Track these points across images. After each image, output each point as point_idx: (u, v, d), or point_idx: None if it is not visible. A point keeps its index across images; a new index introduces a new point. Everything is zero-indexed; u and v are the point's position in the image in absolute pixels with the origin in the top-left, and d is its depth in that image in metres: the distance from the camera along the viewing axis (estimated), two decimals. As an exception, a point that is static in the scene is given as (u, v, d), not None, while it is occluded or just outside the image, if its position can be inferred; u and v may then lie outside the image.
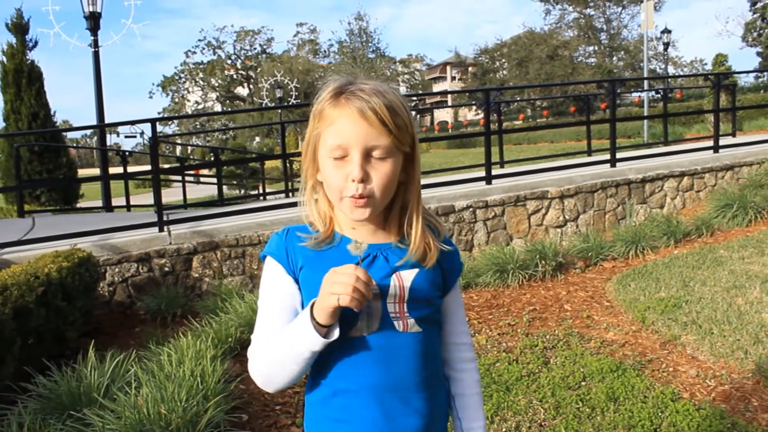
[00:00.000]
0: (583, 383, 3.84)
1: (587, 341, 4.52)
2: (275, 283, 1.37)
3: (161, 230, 6.21)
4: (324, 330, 1.23)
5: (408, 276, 1.35)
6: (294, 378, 1.31)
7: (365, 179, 1.28)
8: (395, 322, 1.34)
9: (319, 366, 1.32)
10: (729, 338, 4.27)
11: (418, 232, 1.37)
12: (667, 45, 35.01)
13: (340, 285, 1.17)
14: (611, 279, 5.92)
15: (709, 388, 3.72)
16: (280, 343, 1.28)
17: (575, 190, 7.45)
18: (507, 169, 10.49)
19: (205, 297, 5.76)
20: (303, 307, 1.33)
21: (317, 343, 1.23)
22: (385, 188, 1.31)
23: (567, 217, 7.41)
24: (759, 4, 39.57)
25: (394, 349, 1.34)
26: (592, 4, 46.96)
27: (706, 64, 54.82)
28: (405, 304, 1.34)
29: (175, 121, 56.38)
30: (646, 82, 18.16)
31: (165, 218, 6.36)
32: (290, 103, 44.00)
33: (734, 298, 4.97)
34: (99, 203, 13.74)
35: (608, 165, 8.17)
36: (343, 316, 1.25)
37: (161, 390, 3.10)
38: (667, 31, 33.91)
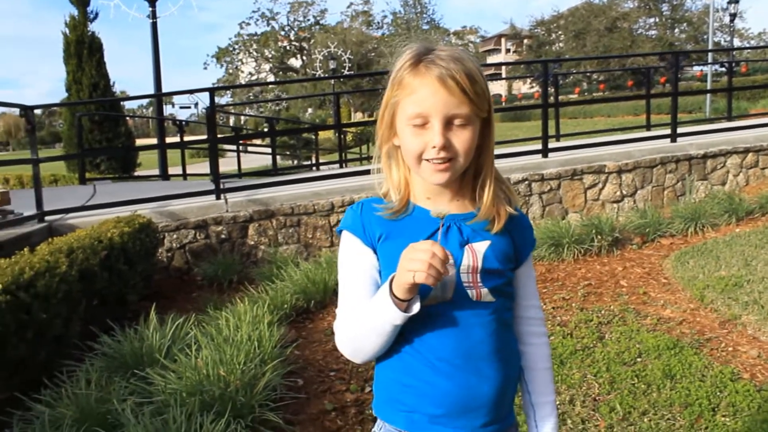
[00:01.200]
0: (638, 359, 3.79)
1: (643, 318, 4.44)
2: (354, 257, 1.39)
3: (218, 198, 6.32)
4: (404, 305, 1.24)
5: (480, 248, 1.35)
6: (380, 349, 1.33)
7: (447, 146, 1.29)
8: (469, 291, 1.34)
9: None
10: (793, 319, 4.15)
11: (490, 195, 1.38)
12: (733, 16, 33.58)
13: (417, 262, 1.17)
14: (669, 256, 5.78)
15: (770, 369, 3.63)
16: (364, 317, 1.30)
17: (633, 165, 7.28)
18: (563, 143, 10.30)
19: (260, 264, 5.85)
20: (382, 278, 1.34)
21: (398, 317, 1.24)
22: (466, 154, 1.32)
23: (624, 192, 7.26)
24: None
25: (468, 318, 1.34)
26: (653, -27, 45.40)
27: (774, 36, 52.51)
28: (478, 275, 1.34)
29: (229, 92, 56.96)
30: (710, 54, 17.46)
31: (221, 186, 6.47)
32: (347, 74, 43.87)
33: (800, 279, 4.82)
34: (156, 172, 14.05)
35: (668, 140, 7.95)
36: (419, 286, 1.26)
37: (220, 353, 3.19)
38: (734, 1, 32.49)
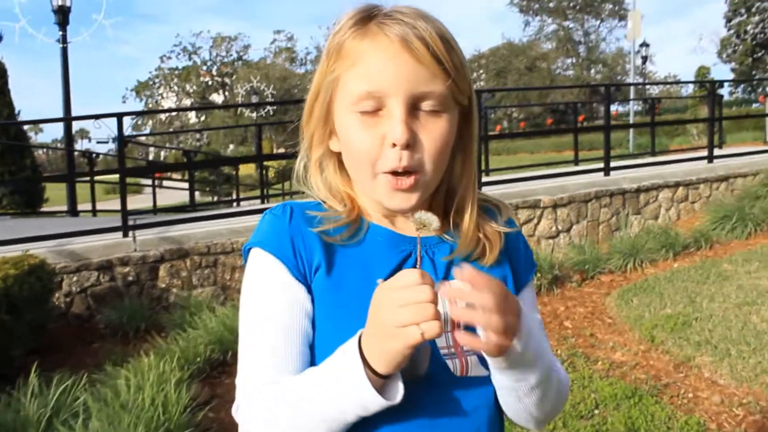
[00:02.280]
0: (596, 411, 3.44)
1: (594, 362, 4.12)
2: (274, 292, 0.87)
3: (125, 235, 5.69)
4: (380, 382, 0.77)
5: None
6: None
7: (411, 143, 0.83)
8: (449, 362, 0.88)
9: None
10: (750, 360, 3.91)
11: (472, 220, 0.93)
12: (645, 59, 35.07)
13: (414, 309, 0.71)
14: (611, 294, 5.53)
15: (737, 417, 3.34)
16: (301, 399, 0.80)
17: (568, 199, 7.07)
18: (496, 177, 10.09)
19: (172, 310, 5.25)
20: (316, 335, 0.86)
21: (373, 403, 0.76)
22: (438, 157, 0.86)
23: (560, 227, 7.02)
24: (734, 21, 39.87)
25: (449, 404, 0.87)
26: (570, 16, 47.14)
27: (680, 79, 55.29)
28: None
29: (148, 127, 55.32)
30: (632, 90, 18.00)
31: (131, 223, 5.85)
32: (267, 101, 42.84)
33: (748, 316, 4.62)
34: (65, 207, 13.13)
35: (602, 173, 7.81)
36: None
37: (114, 424, 2.62)
38: (645, 44, 33.88)
